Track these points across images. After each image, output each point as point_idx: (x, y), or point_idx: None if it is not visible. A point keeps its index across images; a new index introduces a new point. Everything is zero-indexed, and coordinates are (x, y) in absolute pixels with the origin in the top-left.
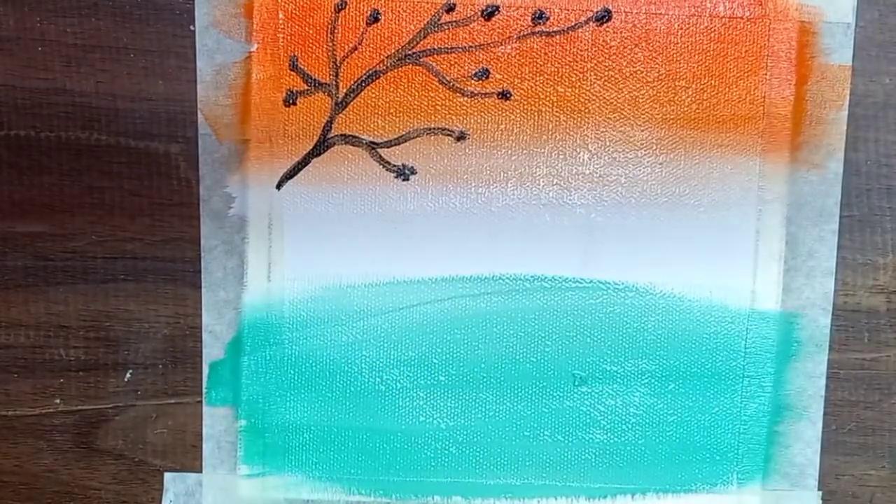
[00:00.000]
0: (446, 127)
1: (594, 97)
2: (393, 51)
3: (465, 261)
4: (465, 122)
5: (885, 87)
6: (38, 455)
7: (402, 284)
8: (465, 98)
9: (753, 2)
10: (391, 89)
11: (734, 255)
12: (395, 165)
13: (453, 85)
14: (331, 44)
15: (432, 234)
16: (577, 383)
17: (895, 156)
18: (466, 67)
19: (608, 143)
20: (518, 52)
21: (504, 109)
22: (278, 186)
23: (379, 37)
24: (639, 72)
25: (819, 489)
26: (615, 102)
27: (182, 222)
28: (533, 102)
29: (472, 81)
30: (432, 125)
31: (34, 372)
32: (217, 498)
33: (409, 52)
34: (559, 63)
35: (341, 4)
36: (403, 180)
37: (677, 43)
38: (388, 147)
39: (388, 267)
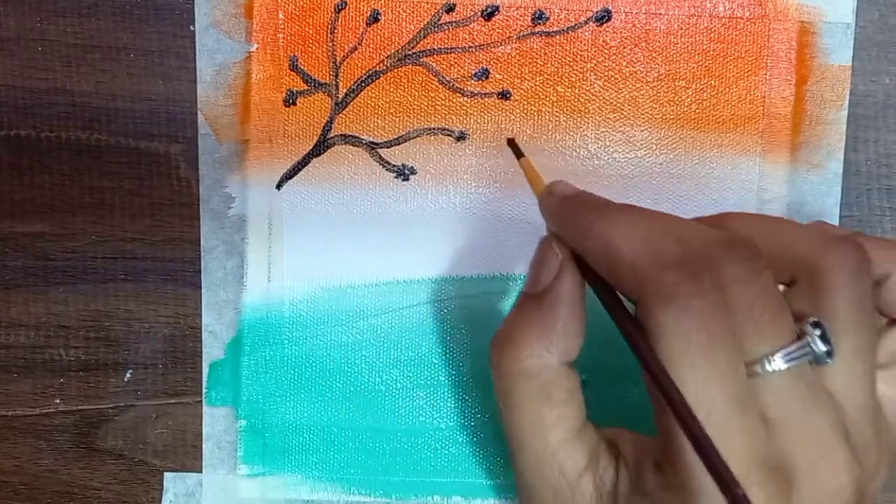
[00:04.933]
0: (446, 127)
1: (594, 97)
2: (393, 51)
3: (465, 261)
4: (465, 122)
5: (885, 87)
6: (38, 455)
7: (402, 284)
8: (465, 98)
9: (753, 2)
10: (391, 89)
11: None
12: (395, 165)
13: (453, 85)
14: (331, 44)
15: (432, 234)
16: None
17: (895, 156)
18: (466, 67)
19: (608, 143)
20: (518, 52)
21: (504, 109)
22: (278, 186)
23: (379, 37)
24: (639, 72)
25: None
26: (615, 102)
27: (182, 222)
28: (533, 102)
29: (472, 81)
30: (432, 125)
31: (34, 372)
32: (217, 498)
33: (409, 53)
34: (559, 63)
35: (341, 4)
36: (403, 180)
37: (677, 43)
38: (388, 147)
39: (388, 267)
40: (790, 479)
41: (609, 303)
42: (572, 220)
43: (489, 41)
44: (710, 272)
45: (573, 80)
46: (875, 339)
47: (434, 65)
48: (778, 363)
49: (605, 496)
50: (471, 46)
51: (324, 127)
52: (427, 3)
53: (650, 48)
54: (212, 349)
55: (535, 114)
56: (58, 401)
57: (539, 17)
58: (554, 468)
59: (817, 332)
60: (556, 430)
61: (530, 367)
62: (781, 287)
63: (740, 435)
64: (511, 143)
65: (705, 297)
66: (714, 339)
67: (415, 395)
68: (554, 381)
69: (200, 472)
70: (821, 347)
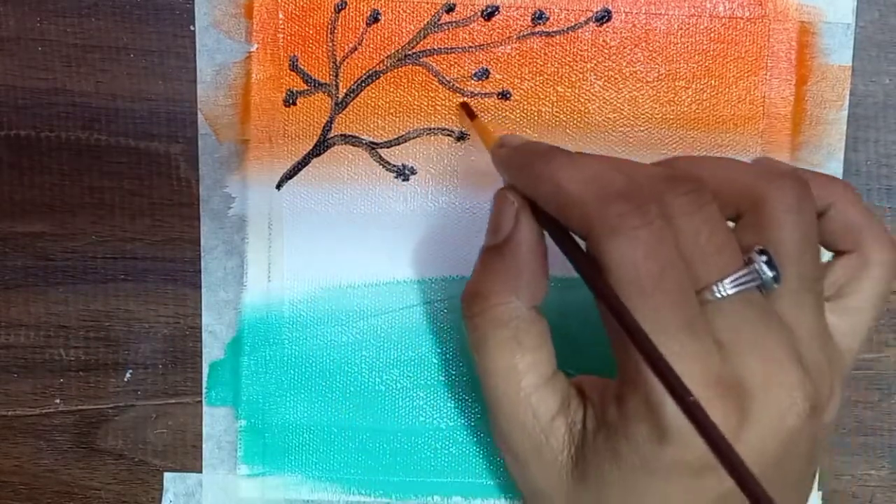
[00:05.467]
0: (446, 127)
1: (594, 97)
2: (393, 51)
3: (465, 261)
4: (465, 121)
5: (885, 87)
6: (38, 455)
7: (402, 284)
8: (465, 98)
9: (753, 2)
10: (391, 89)
11: None
12: (395, 165)
13: (453, 85)
14: (331, 44)
15: (432, 234)
16: None
17: (895, 156)
18: (466, 67)
19: (608, 143)
20: (518, 52)
21: (504, 109)
22: (278, 186)
23: (379, 37)
24: (639, 72)
25: (819, 489)
26: (615, 102)
27: (182, 222)
28: (533, 102)
29: (472, 81)
30: (432, 125)
31: (34, 372)
32: (217, 498)
33: (409, 53)
34: (559, 63)
35: (341, 4)
36: (403, 180)
37: (677, 43)
38: (388, 147)
39: (388, 267)
40: (745, 397)
41: (562, 242)
42: (523, 167)
43: (489, 41)
44: (656, 204)
45: (573, 80)
46: (820, 266)
47: (434, 65)
48: (727, 289)
49: (575, 436)
50: (471, 46)
51: (324, 127)
52: (427, 3)
53: (650, 48)
54: (212, 349)
55: (535, 114)
56: (58, 401)
57: (539, 17)
58: (528, 413)
59: (763, 258)
60: (528, 375)
61: (500, 315)
62: (730, 224)
63: (694, 358)
64: (464, 105)
65: (651, 226)
66: (663, 267)
67: (415, 395)
68: (524, 328)
69: (200, 472)
70: (767, 273)
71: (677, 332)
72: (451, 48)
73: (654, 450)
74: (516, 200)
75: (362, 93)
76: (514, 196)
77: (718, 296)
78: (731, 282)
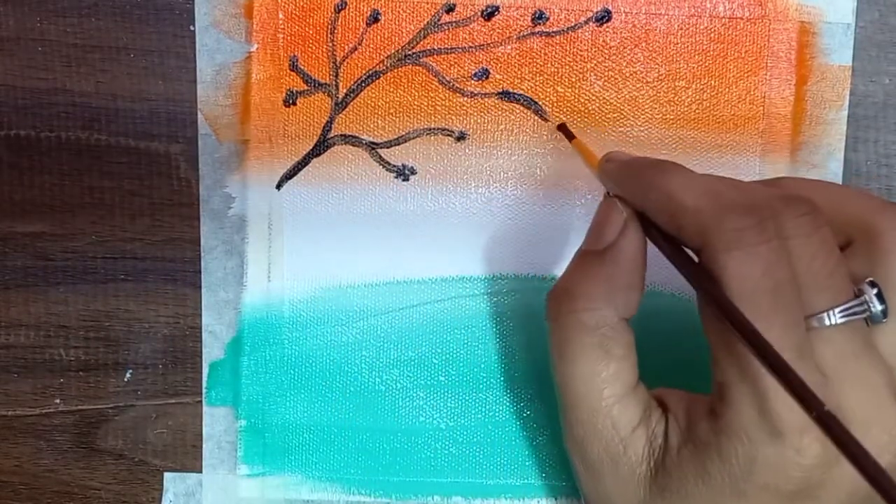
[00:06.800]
0: (446, 127)
1: (594, 97)
2: (393, 51)
3: (466, 261)
4: (465, 122)
5: (885, 87)
6: (38, 455)
7: (402, 284)
8: (465, 98)
9: (753, 2)
10: (391, 89)
11: None
12: (395, 165)
13: (453, 85)
14: (331, 44)
15: (432, 235)
16: None
17: (895, 156)
18: (466, 67)
19: (608, 144)
20: (518, 52)
21: (504, 109)
22: (278, 186)
23: (379, 37)
24: (639, 72)
25: None
26: (615, 102)
27: (182, 222)
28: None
29: (472, 81)
30: (432, 125)
31: (34, 372)
32: (217, 498)
33: (409, 53)
34: (559, 63)
35: (341, 4)
36: (403, 180)
37: (677, 43)
38: (388, 147)
39: (388, 267)
40: None
41: (671, 252)
42: (634, 177)
43: (489, 41)
44: (773, 222)
45: (573, 80)
46: None
47: (434, 65)
48: (836, 318)
49: (656, 450)
50: (471, 46)
51: (324, 127)
52: (427, 3)
53: (650, 48)
54: (212, 349)
55: (536, 113)
56: (58, 401)
57: (539, 17)
58: (607, 423)
59: (874, 291)
60: (612, 385)
61: (590, 321)
62: None
63: None
64: (562, 127)
65: (770, 244)
66: (778, 286)
67: (415, 395)
68: (613, 336)
69: (200, 472)
70: (877, 306)
71: (786, 354)
72: (451, 48)
73: (748, 470)
74: (625, 210)
75: (362, 93)
76: (623, 206)
77: (827, 323)
78: (841, 311)
